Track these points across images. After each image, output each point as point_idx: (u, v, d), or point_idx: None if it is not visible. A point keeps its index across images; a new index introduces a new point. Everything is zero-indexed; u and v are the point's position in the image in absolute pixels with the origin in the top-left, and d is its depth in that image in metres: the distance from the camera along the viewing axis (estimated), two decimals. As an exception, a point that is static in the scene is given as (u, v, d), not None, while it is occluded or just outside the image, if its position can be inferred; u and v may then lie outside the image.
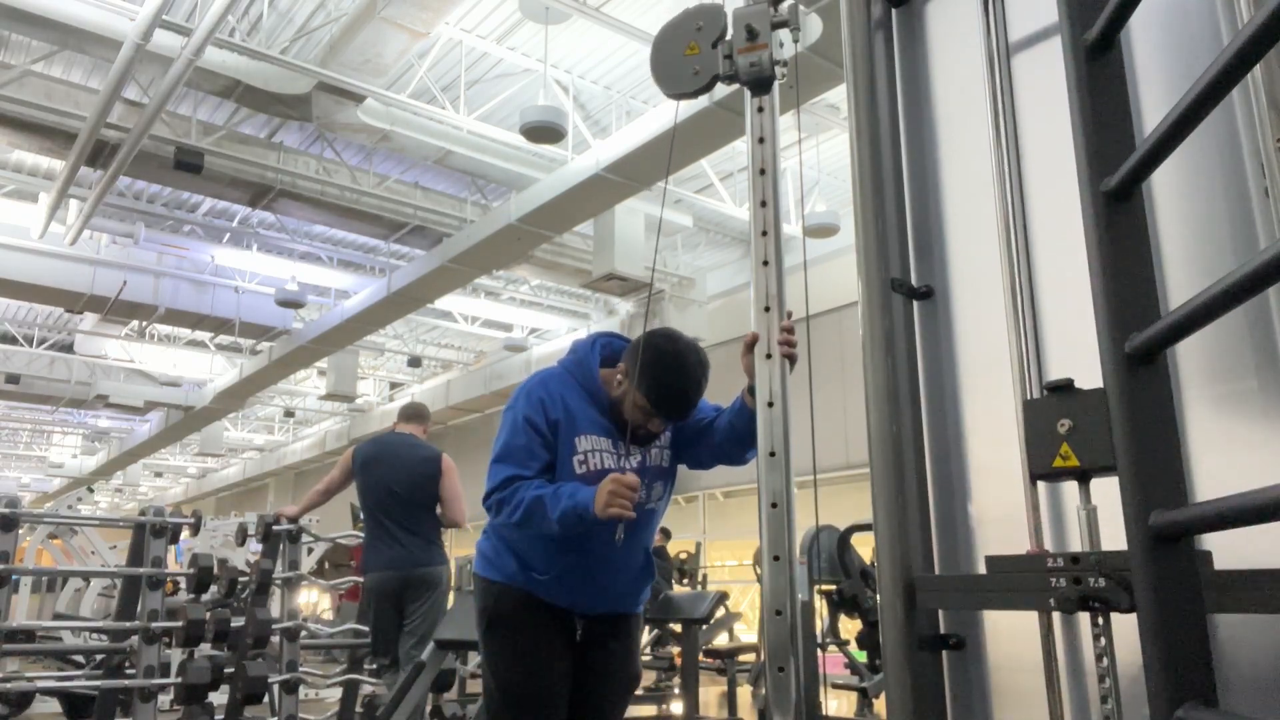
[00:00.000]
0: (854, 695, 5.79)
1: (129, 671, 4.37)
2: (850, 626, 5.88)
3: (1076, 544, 1.42)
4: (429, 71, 7.59)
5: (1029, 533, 1.48)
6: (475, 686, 6.17)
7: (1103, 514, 1.33)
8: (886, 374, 1.67)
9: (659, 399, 2.10)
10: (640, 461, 2.22)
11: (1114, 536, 1.23)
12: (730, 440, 2.17)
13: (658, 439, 2.25)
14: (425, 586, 4.36)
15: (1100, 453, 1.26)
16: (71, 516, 8.13)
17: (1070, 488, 1.42)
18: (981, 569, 1.56)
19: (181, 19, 6.65)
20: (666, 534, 9.87)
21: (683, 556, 9.39)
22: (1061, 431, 1.32)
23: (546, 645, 2.18)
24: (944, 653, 1.62)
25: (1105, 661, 1.30)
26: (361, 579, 4.61)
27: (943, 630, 1.63)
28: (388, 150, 8.96)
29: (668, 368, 2.11)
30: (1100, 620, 1.31)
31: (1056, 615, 1.46)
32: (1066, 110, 1.25)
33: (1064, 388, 1.34)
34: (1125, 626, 1.23)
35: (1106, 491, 1.25)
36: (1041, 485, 1.49)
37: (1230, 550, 1.21)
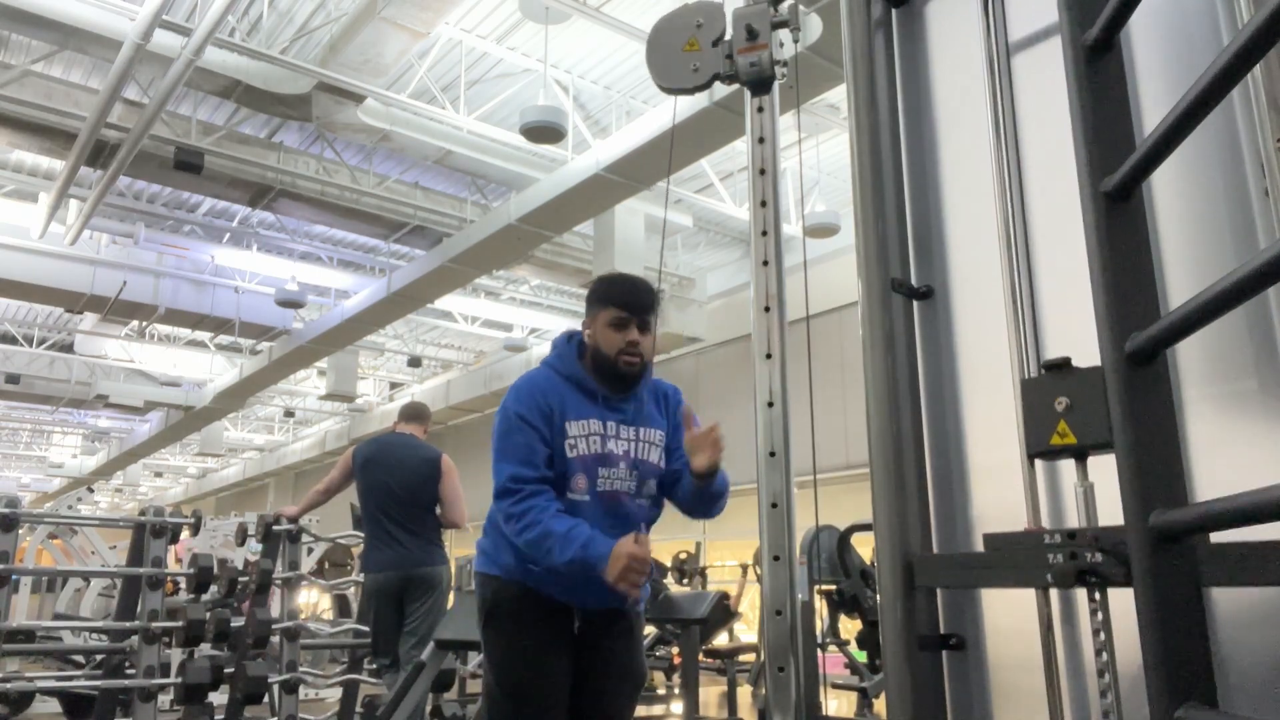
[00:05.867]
0: (854, 695, 5.79)
1: (129, 671, 4.38)
2: (850, 626, 5.88)
3: (1074, 523, 1.42)
4: (429, 71, 7.59)
5: (1026, 511, 1.48)
6: (475, 686, 6.17)
7: (1099, 491, 1.33)
8: (886, 374, 1.67)
9: (619, 293, 2.26)
10: (630, 450, 2.23)
11: (1111, 514, 1.24)
12: (688, 497, 2.31)
13: (642, 397, 2.28)
14: (425, 587, 4.36)
15: (1097, 430, 1.26)
16: (71, 516, 8.12)
17: (1068, 471, 1.42)
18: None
19: (181, 19, 6.64)
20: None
21: (682, 557, 9.39)
22: (1059, 409, 1.32)
23: (546, 639, 2.18)
24: (944, 653, 1.62)
25: (1102, 636, 1.30)
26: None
27: (943, 630, 1.63)
28: (388, 150, 8.96)
29: (615, 276, 2.40)
30: (1097, 595, 1.31)
31: (1055, 604, 1.46)
32: (1066, 110, 1.25)
33: (1061, 366, 1.34)
34: (1125, 625, 1.23)
35: (1103, 469, 1.25)
36: (1039, 467, 1.50)
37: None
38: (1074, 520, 1.41)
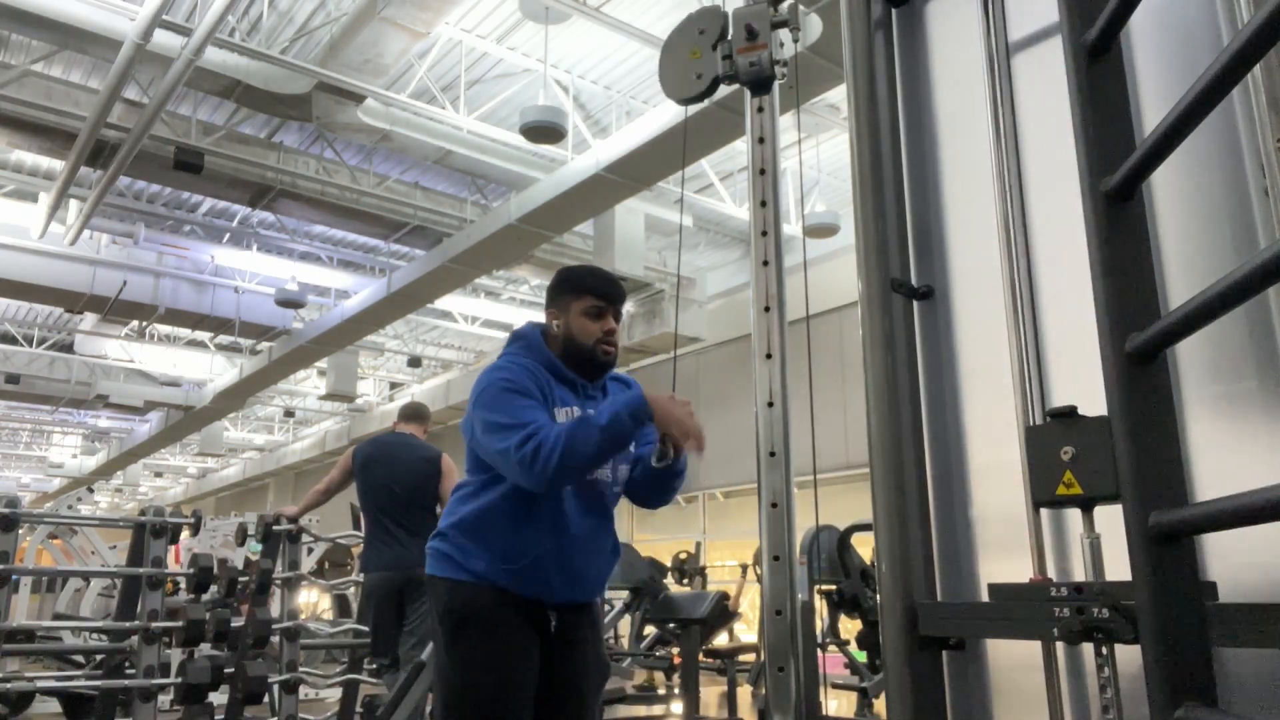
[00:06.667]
0: (854, 695, 5.78)
1: (129, 671, 4.37)
2: (850, 626, 5.88)
3: (1079, 567, 1.40)
4: (429, 71, 7.59)
5: (1031, 560, 1.47)
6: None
7: (1106, 541, 1.31)
8: (886, 374, 1.67)
9: (595, 282, 2.25)
10: None
11: (1118, 565, 1.22)
12: (647, 483, 2.24)
13: (606, 386, 2.27)
14: (425, 587, 4.36)
15: (1104, 481, 1.25)
16: (71, 516, 8.12)
17: (1074, 513, 1.41)
18: (983, 587, 1.55)
19: (181, 19, 6.65)
20: None
21: (682, 557, 9.39)
22: (1064, 459, 1.30)
23: (521, 645, 2.09)
24: (944, 653, 1.62)
25: (1109, 693, 1.29)
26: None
27: (943, 630, 1.63)
28: (388, 150, 8.95)
29: (584, 267, 2.38)
30: (1104, 650, 1.29)
31: (1060, 645, 1.45)
32: (1066, 110, 1.25)
33: (1066, 414, 1.32)
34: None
35: (1110, 519, 1.24)
36: (1044, 509, 1.48)
37: (1234, 585, 1.22)
38: (1079, 565, 1.39)
